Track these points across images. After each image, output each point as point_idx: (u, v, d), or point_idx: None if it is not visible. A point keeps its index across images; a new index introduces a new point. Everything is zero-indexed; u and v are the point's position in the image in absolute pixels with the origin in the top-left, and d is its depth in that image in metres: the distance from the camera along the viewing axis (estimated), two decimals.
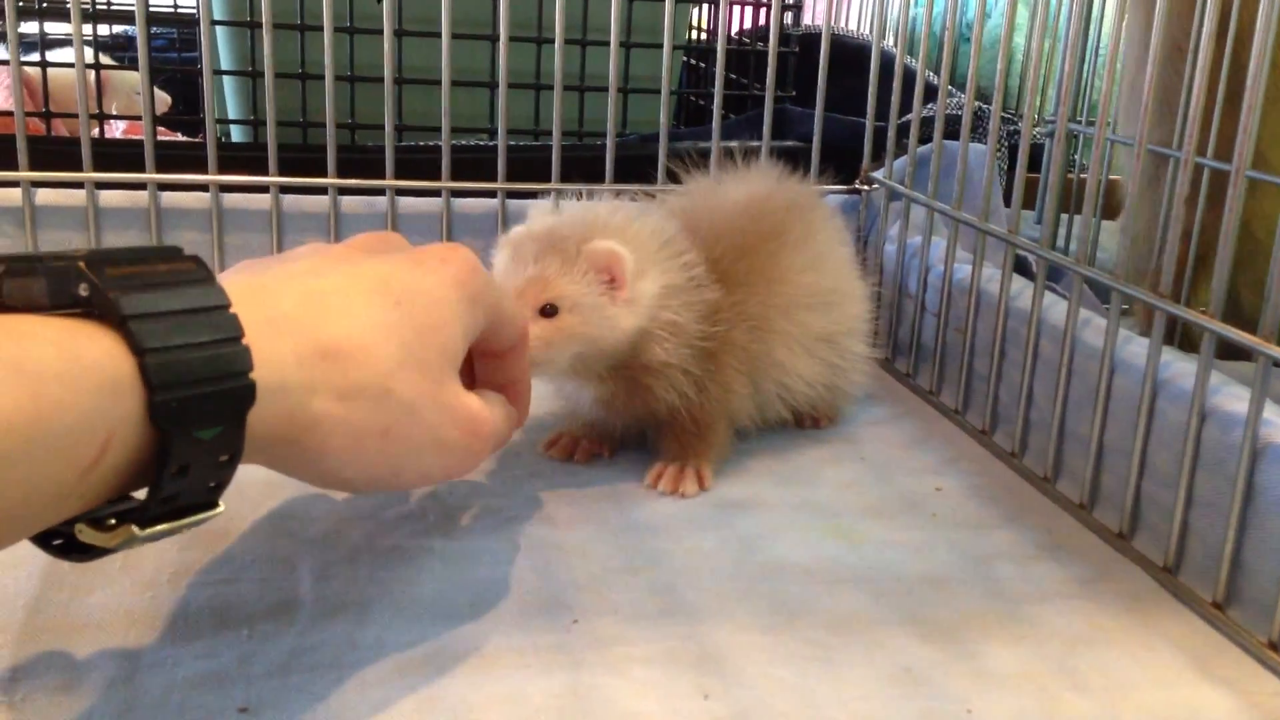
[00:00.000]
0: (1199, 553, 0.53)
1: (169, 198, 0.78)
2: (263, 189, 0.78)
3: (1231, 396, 0.52)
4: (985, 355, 0.70)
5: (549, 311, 0.56)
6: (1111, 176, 0.89)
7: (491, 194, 0.81)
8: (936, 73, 0.97)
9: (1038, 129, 0.97)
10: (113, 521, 0.35)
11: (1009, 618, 0.50)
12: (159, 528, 0.35)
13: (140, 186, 0.77)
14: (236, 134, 1.05)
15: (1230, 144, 0.50)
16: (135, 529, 0.35)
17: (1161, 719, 0.44)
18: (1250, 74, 0.48)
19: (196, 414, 0.34)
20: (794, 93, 1.05)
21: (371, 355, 0.41)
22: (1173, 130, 0.75)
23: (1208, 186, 0.75)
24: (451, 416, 0.44)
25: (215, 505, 0.37)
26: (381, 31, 0.75)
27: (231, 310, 0.36)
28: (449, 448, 0.44)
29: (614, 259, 0.56)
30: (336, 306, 0.41)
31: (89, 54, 1.14)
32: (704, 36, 1.19)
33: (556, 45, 0.78)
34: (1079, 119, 0.90)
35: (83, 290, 0.33)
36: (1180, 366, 0.56)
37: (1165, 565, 0.54)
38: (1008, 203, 0.90)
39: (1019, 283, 0.69)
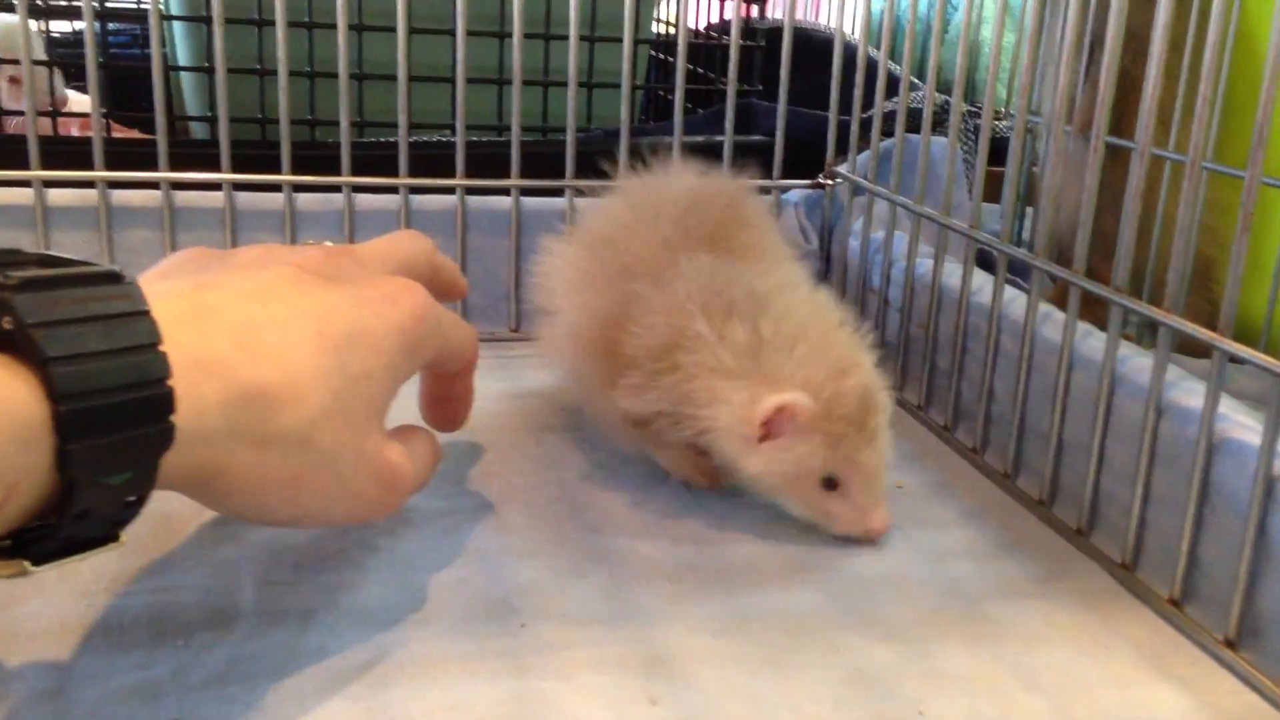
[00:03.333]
0: (1157, 549, 0.52)
1: (120, 196, 0.76)
2: (218, 186, 0.77)
3: (1188, 392, 0.51)
4: (948, 351, 0.69)
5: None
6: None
7: (451, 190, 0.80)
8: (909, 69, 0.96)
9: (1003, 122, 0.96)
10: (6, 542, 0.34)
11: (966, 617, 0.50)
12: (53, 563, 0.34)
13: (90, 185, 0.75)
14: (198, 131, 1.04)
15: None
16: (28, 564, 0.34)
17: (1116, 718, 0.43)
18: (1205, 67, 0.48)
19: (109, 461, 0.33)
20: (760, 87, 1.04)
21: (299, 402, 0.39)
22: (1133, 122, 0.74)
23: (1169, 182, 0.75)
24: (369, 469, 0.43)
25: (117, 539, 0.36)
26: (351, 27, 0.74)
27: (161, 349, 0.35)
28: (360, 498, 0.43)
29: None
30: (271, 344, 0.39)
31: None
32: (670, 30, 1.18)
33: (515, 39, 0.77)
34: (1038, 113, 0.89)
35: (5, 323, 0.32)
36: (1139, 362, 0.55)
37: (1123, 562, 0.54)
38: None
39: (982, 278, 0.69)
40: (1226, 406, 0.50)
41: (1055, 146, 0.58)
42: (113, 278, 0.35)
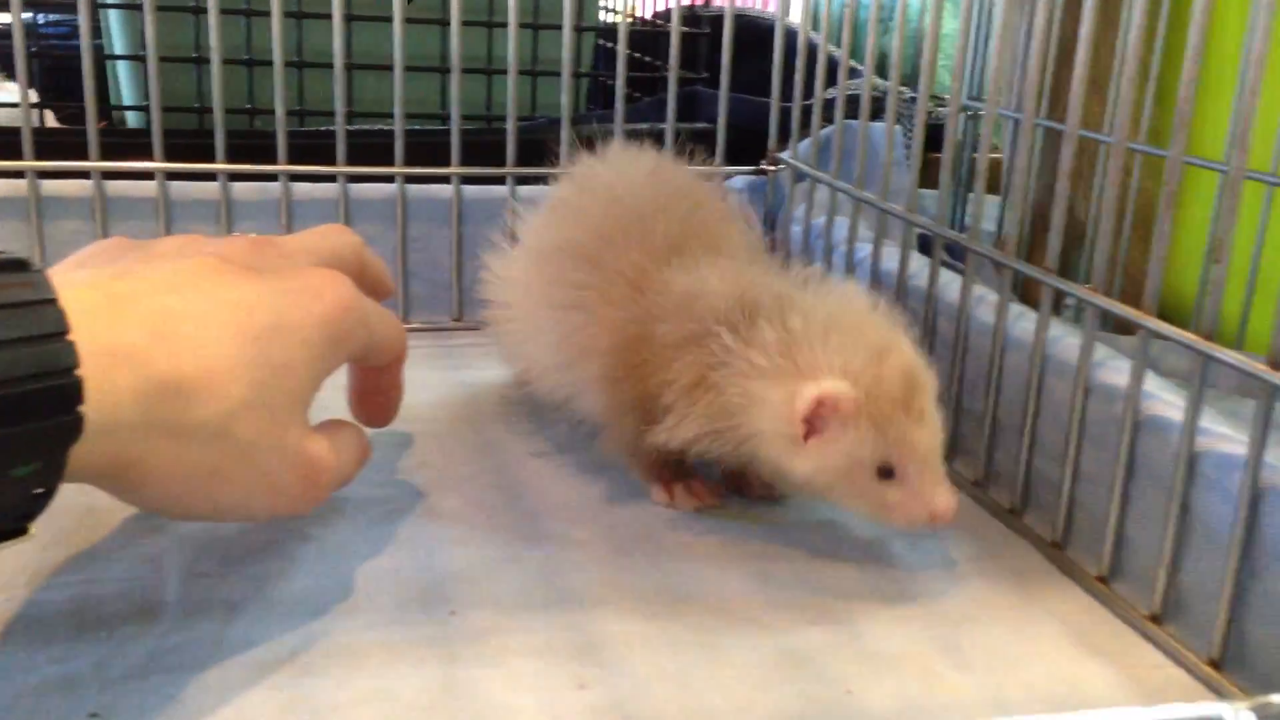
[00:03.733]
0: (1086, 528, 0.53)
1: (52, 186, 0.75)
2: (152, 176, 0.75)
3: (1115, 370, 0.52)
4: None
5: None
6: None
7: (390, 179, 0.79)
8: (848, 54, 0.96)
9: (943, 108, 0.97)
10: None
11: (898, 597, 0.50)
12: None
13: (20, 175, 0.74)
14: (135, 120, 1.02)
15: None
16: None
17: (1043, 694, 0.44)
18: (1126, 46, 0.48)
19: (12, 452, 0.32)
20: (705, 74, 1.04)
21: (217, 393, 0.38)
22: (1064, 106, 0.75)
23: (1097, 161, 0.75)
24: (291, 462, 0.42)
25: (25, 532, 0.35)
26: (283, 14, 0.73)
27: (69, 338, 0.34)
28: (281, 492, 0.42)
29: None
30: (188, 335, 0.38)
31: None
32: (617, 18, 1.18)
33: (454, 27, 0.76)
34: (977, 97, 0.90)
35: None
36: (1069, 342, 0.55)
37: (1054, 541, 0.54)
38: (925, 182, 0.90)
39: (922, 261, 0.69)
40: (1153, 384, 0.50)
41: (1025, 141, 0.58)
42: (17, 265, 0.34)
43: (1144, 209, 0.79)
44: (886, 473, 0.50)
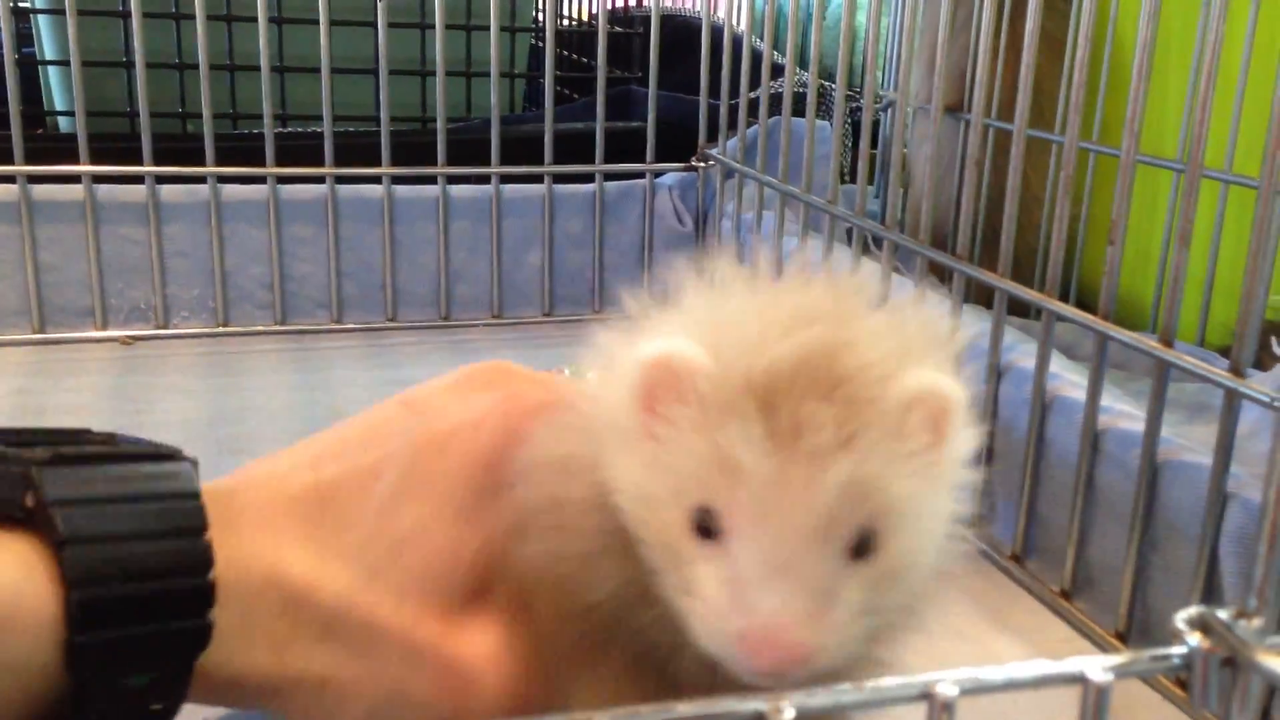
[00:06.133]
0: (1000, 508, 0.54)
1: None
2: (78, 179, 0.75)
3: (1024, 354, 0.53)
4: None
5: (863, 549, 0.27)
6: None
7: (321, 180, 0.79)
8: (780, 51, 0.98)
9: (878, 105, 0.98)
10: None
11: None
12: None
13: None
14: (67, 125, 1.01)
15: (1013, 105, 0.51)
16: None
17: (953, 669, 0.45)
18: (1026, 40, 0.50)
19: (126, 658, 0.27)
20: (640, 74, 1.05)
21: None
22: (962, 94, 0.77)
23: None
24: (432, 673, 0.32)
25: None
26: (212, 18, 0.73)
27: (206, 537, 0.28)
28: (424, 708, 0.32)
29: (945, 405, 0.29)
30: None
31: None
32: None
33: (380, 28, 0.76)
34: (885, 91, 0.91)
35: (28, 501, 0.27)
36: (984, 328, 0.57)
37: (970, 523, 0.55)
38: (854, 177, 0.91)
39: (848, 253, 0.70)
40: (1059, 366, 0.52)
41: (976, 138, 0.59)
42: (164, 456, 0.29)
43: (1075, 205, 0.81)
44: (706, 529, 0.27)
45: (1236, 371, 0.41)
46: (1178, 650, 0.26)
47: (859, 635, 0.28)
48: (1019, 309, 0.55)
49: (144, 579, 0.27)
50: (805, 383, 0.27)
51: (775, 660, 0.26)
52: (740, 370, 0.27)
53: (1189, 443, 0.45)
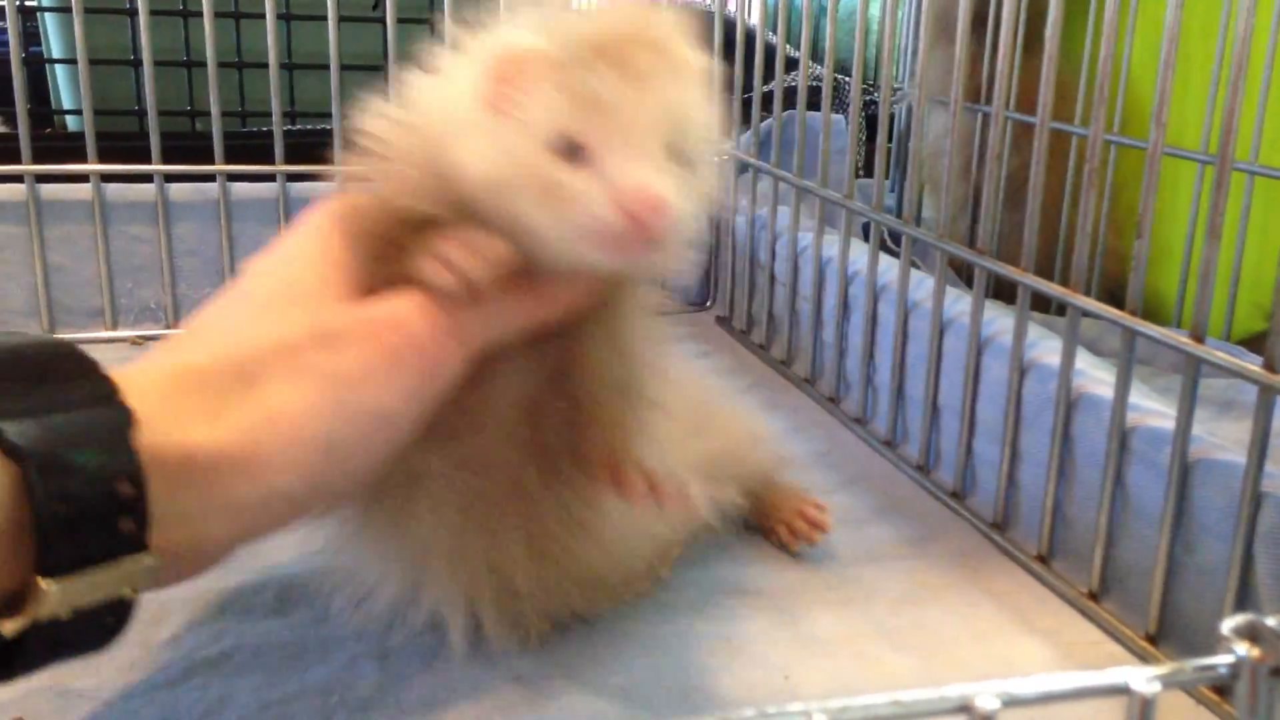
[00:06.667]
0: (1025, 507, 0.53)
1: None
2: (86, 179, 0.74)
3: (1049, 350, 0.52)
4: (833, 323, 0.70)
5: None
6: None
7: (330, 177, 0.78)
8: (794, 46, 0.97)
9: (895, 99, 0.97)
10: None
11: (837, 581, 0.50)
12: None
13: None
14: (76, 124, 1.01)
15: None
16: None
17: (978, 673, 0.44)
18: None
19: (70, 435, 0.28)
20: None
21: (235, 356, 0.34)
22: (978, 87, 0.76)
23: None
24: (360, 335, 0.35)
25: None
26: (217, 14, 0.73)
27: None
28: (375, 373, 0.34)
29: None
30: None
31: None
32: None
33: (388, 22, 0.75)
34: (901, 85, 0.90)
35: None
36: (1005, 323, 0.56)
37: (994, 521, 0.54)
38: (869, 172, 0.90)
39: (864, 248, 0.69)
40: (1085, 362, 0.51)
41: (997, 132, 0.58)
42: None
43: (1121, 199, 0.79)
44: (572, 150, 0.35)
45: (1271, 367, 0.40)
46: (1224, 659, 0.25)
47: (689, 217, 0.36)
48: (1037, 304, 0.54)
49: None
50: (631, 43, 0.35)
51: (651, 218, 0.34)
52: (583, 41, 0.35)
53: (1220, 440, 0.44)
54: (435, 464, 0.38)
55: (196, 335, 0.36)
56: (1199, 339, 0.42)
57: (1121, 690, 0.25)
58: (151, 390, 0.32)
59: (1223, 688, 0.41)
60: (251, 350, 0.34)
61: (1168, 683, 0.25)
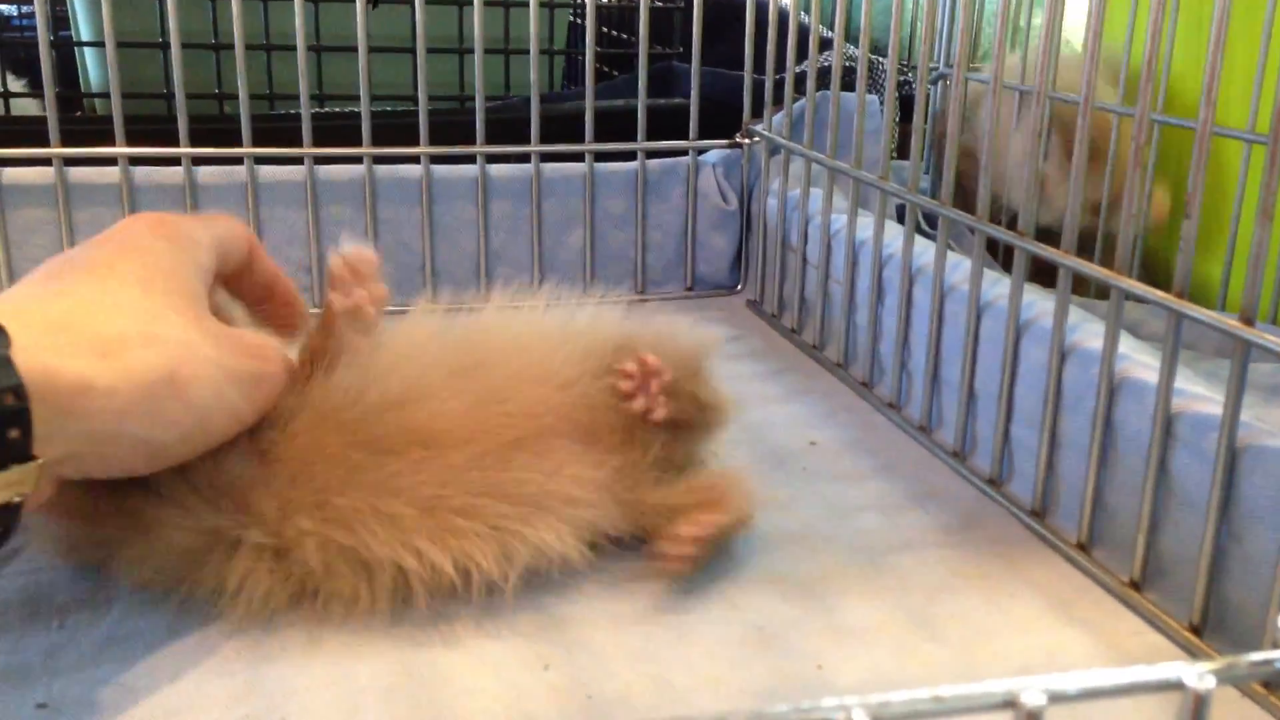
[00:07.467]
0: (1065, 495, 0.52)
1: (12, 174, 0.74)
2: (114, 161, 0.74)
3: (1090, 334, 0.51)
4: (866, 306, 0.68)
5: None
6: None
7: (358, 160, 0.78)
8: (827, 26, 0.95)
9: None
10: None
11: (871, 570, 0.49)
12: None
13: None
14: (104, 107, 1.01)
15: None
16: None
17: (1017, 665, 0.43)
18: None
19: None
20: (680, 49, 1.03)
21: (119, 312, 0.39)
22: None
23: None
24: (230, 346, 0.42)
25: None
26: None
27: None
28: (242, 378, 0.42)
29: None
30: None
31: None
32: None
33: (417, 5, 0.75)
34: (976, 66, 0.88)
35: None
36: (1044, 306, 0.54)
37: (1033, 509, 0.53)
38: (902, 153, 0.88)
39: (899, 230, 0.68)
40: (1128, 346, 0.49)
41: (1038, 112, 0.57)
42: None
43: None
44: None
45: None
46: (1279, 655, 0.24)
47: None
48: (1076, 287, 0.53)
49: None
50: None
51: None
52: None
53: (1269, 426, 0.43)
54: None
55: (87, 300, 0.40)
56: (1249, 322, 0.41)
57: (1175, 686, 0.24)
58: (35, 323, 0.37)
59: (1270, 681, 0.40)
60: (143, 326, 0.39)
61: (1222, 678, 0.24)
